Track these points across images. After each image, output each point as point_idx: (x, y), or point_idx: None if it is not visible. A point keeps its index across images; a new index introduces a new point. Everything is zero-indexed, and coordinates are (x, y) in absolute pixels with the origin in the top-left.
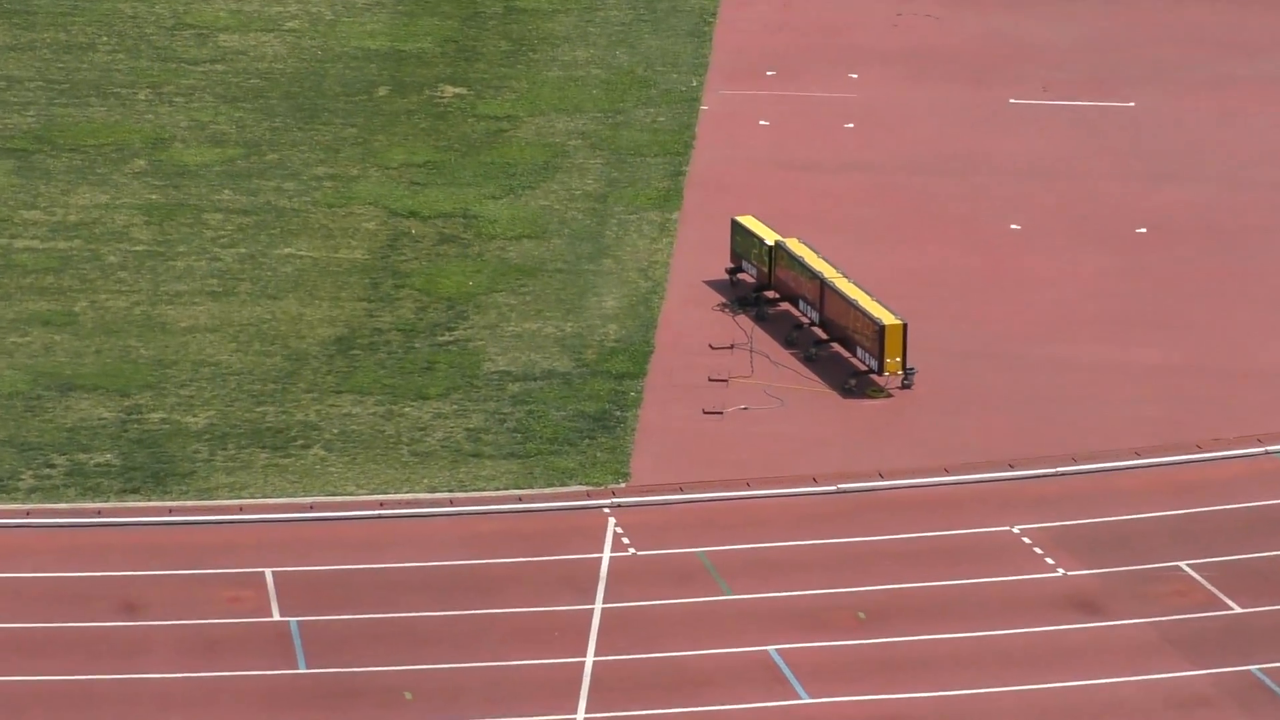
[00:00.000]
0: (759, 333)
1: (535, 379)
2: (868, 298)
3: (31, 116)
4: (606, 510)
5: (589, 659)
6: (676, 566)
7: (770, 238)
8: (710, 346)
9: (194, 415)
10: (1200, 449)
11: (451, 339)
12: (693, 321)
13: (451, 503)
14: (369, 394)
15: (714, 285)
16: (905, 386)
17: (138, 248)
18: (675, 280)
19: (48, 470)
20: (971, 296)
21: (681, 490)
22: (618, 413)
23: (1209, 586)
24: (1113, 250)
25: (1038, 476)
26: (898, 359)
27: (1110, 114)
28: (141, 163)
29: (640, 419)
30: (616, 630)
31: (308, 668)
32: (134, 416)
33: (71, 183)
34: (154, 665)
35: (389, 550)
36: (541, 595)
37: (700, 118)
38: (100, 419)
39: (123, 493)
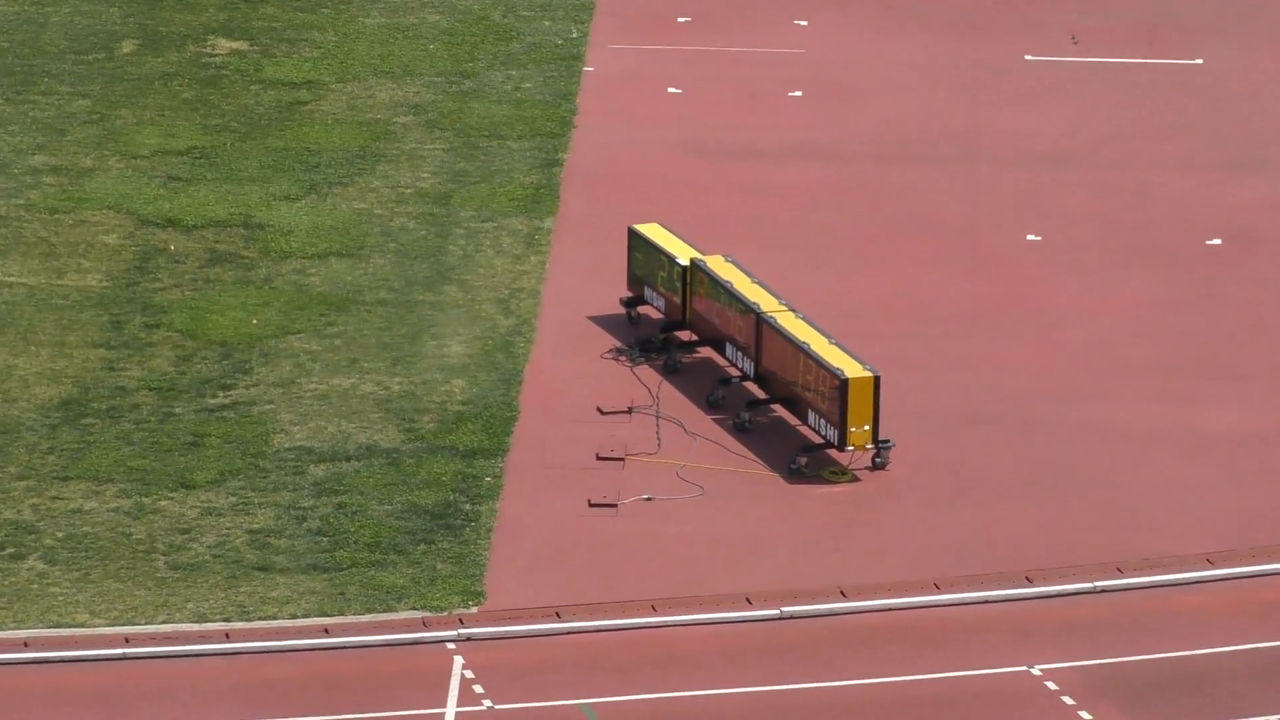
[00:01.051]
0: (669, 390)
1: (348, 458)
2: (824, 340)
3: None
4: (451, 646)
5: None
6: None
7: (684, 255)
8: (599, 411)
9: None
10: None
11: (228, 401)
12: (574, 375)
13: (228, 636)
14: (109, 481)
15: (604, 322)
16: (878, 466)
17: None
18: (548, 316)
19: None
20: (972, 337)
21: (558, 617)
22: (467, 506)
23: None
24: (1172, 270)
25: (1067, 594)
26: (866, 427)
27: (1169, 76)
28: None
29: (500, 515)
30: None
31: None
32: None
33: None
34: None
35: (138, 705)
36: None
37: (584, 83)
38: None
39: None
